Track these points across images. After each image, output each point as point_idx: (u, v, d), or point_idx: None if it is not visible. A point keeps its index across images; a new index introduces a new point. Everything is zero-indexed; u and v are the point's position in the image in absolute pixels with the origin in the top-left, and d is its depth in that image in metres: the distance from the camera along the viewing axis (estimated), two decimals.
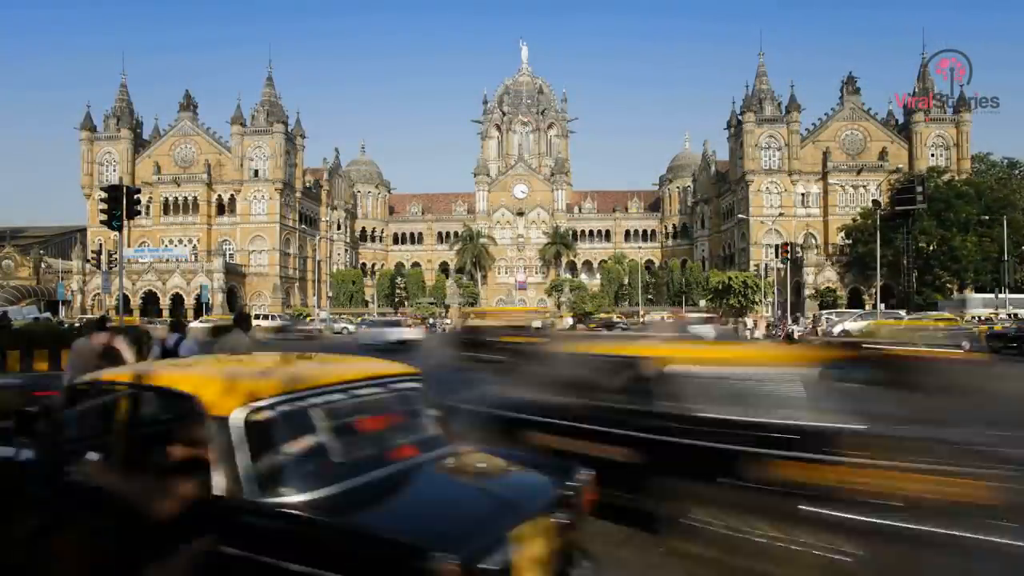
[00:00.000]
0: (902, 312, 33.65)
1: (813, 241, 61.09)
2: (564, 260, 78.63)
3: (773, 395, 4.58)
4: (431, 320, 53.20)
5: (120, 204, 17.34)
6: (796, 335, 28.82)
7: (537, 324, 22.54)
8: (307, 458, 3.00)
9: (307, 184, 72.21)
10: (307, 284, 71.00)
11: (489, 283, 78.15)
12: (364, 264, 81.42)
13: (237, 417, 2.85)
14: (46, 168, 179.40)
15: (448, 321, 52.30)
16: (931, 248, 49.37)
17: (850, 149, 63.43)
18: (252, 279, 64.27)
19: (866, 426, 4.14)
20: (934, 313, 34.55)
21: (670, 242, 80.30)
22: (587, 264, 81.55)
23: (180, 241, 64.89)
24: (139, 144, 67.93)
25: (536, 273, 79.36)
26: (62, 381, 6.12)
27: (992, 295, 41.16)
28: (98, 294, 54.10)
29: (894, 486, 3.80)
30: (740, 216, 62.99)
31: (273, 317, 45.67)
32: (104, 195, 18.04)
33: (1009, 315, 34.19)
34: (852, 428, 4.11)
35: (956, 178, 54.21)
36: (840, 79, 65.66)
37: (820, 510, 3.93)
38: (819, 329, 32.07)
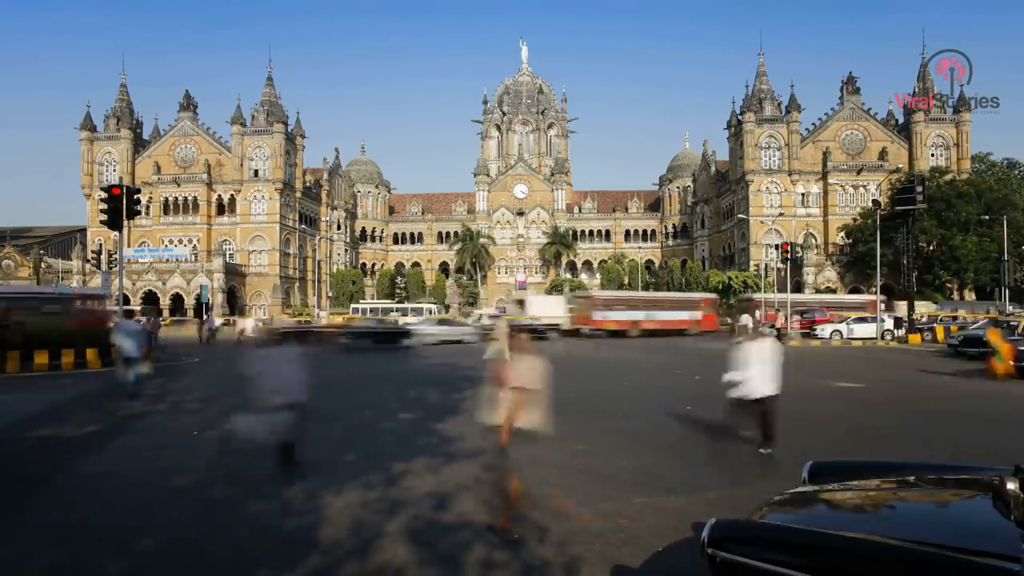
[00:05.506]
0: None
1: (813, 241, 61.03)
2: (564, 260, 78.61)
3: None
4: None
5: (119, 203, 17.37)
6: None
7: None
8: None
9: (307, 184, 72.20)
10: (307, 284, 71.01)
11: (489, 283, 78.18)
12: (364, 264, 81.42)
13: None
14: (46, 168, 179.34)
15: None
16: (931, 248, 49.40)
17: (850, 149, 63.40)
18: (252, 279, 64.29)
19: None
20: None
21: (670, 242, 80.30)
22: (587, 264, 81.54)
23: (180, 241, 64.93)
24: (139, 144, 67.98)
25: (536, 273, 79.32)
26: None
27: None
28: None
29: None
30: (740, 216, 62.99)
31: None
32: (104, 195, 18.06)
33: None
34: None
35: (956, 178, 54.18)
36: (840, 79, 65.87)
37: None
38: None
